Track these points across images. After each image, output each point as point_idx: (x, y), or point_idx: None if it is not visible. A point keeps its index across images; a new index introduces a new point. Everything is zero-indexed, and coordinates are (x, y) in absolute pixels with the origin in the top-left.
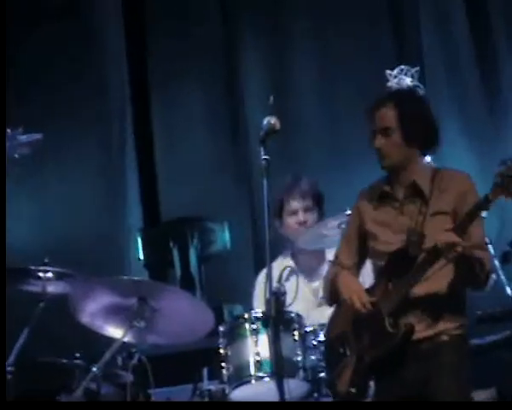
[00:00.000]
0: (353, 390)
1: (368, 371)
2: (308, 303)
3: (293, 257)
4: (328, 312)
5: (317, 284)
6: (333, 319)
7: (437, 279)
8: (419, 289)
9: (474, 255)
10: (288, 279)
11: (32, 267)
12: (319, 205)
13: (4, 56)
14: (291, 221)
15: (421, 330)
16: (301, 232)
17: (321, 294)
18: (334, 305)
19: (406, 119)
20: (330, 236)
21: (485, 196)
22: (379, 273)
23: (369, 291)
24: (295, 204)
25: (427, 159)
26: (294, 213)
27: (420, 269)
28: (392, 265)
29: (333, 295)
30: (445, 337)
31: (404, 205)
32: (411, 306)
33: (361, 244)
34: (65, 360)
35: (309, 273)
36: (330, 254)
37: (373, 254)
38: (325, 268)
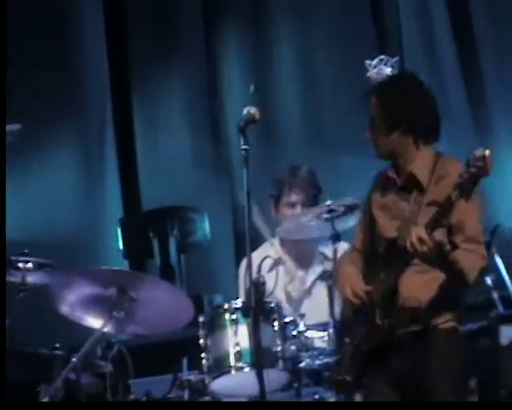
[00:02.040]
0: (348, 378)
1: (363, 360)
2: (294, 291)
3: (283, 244)
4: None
5: (304, 272)
6: (342, 306)
7: (424, 275)
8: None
9: (449, 255)
10: (270, 270)
11: (12, 258)
12: (316, 200)
13: (4, 56)
14: (288, 213)
15: (411, 324)
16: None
17: (309, 282)
18: None
19: (385, 106)
20: (309, 226)
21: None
22: (378, 261)
23: (368, 279)
24: (295, 197)
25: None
26: (293, 205)
27: (403, 261)
28: (387, 253)
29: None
30: (436, 330)
31: (402, 193)
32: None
33: (372, 228)
34: (44, 351)
35: (297, 261)
36: (322, 246)
37: (375, 240)
38: (316, 258)
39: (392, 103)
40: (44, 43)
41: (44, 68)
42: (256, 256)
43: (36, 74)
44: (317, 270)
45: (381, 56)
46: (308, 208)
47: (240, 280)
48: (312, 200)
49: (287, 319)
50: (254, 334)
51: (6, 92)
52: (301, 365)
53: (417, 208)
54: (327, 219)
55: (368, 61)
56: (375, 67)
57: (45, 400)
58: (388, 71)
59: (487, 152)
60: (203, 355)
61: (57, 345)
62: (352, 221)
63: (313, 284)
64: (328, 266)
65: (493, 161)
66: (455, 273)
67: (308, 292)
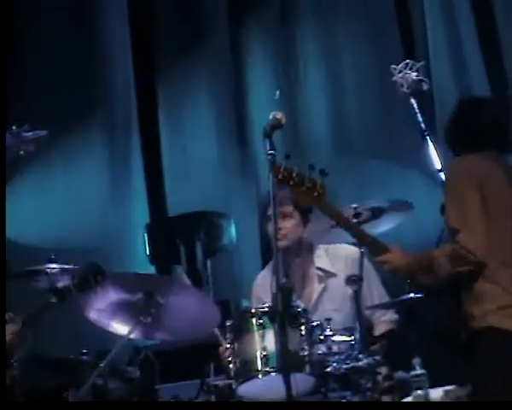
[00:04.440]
0: None
1: None
2: None
3: (285, 263)
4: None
5: (306, 293)
6: None
7: None
8: None
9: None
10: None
11: (40, 264)
12: (301, 210)
13: (4, 56)
14: (269, 227)
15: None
16: (280, 239)
17: (313, 300)
18: None
19: None
20: (336, 229)
21: None
22: None
23: None
24: (286, 208)
25: None
26: (284, 216)
27: None
28: None
29: None
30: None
31: None
32: None
33: None
34: (72, 356)
35: (299, 282)
36: (319, 260)
37: None
38: (314, 275)
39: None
40: (70, 47)
41: (69, 75)
42: (264, 276)
43: (61, 80)
44: (318, 289)
45: (407, 61)
46: (289, 220)
47: (253, 292)
48: (294, 211)
49: (314, 324)
50: (281, 338)
51: (32, 100)
52: (328, 369)
53: None
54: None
55: (393, 66)
56: (400, 71)
57: None
58: (413, 75)
59: None
60: (230, 360)
61: (84, 351)
62: (381, 227)
63: (317, 302)
64: (347, 272)
65: None
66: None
67: (314, 308)
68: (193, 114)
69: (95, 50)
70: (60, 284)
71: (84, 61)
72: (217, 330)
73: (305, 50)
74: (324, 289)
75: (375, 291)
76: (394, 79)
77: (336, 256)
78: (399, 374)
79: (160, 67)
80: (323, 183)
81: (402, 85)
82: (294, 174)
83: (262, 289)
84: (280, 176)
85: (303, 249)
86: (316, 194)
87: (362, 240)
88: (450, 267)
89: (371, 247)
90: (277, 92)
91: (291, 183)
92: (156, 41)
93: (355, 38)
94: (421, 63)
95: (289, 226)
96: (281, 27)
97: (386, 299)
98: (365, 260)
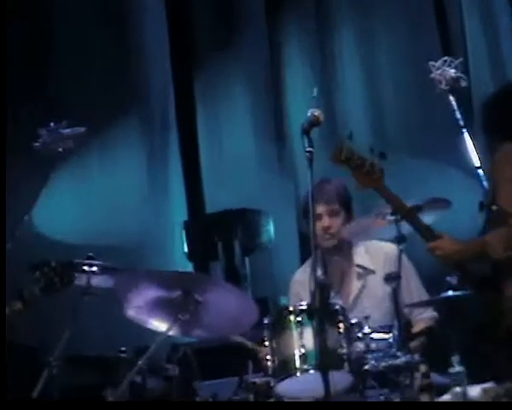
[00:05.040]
0: None
1: None
2: None
3: (323, 261)
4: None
5: (344, 292)
6: None
7: None
8: None
9: None
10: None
11: (77, 261)
12: (346, 208)
13: (5, 56)
14: (316, 226)
15: None
16: (326, 238)
17: (350, 301)
18: None
19: None
20: (374, 227)
21: None
22: None
23: None
24: (320, 208)
25: None
26: (319, 217)
27: None
28: None
29: None
30: None
31: None
32: None
33: None
34: (110, 354)
35: (337, 280)
36: (358, 257)
37: None
38: (353, 273)
39: None
40: (107, 45)
41: (107, 71)
42: (302, 273)
43: (99, 77)
44: (358, 286)
45: (445, 58)
46: (337, 218)
47: (291, 290)
48: (341, 209)
49: (352, 321)
50: (320, 336)
51: (71, 97)
52: (366, 367)
53: None
54: (391, 221)
55: (431, 63)
56: (438, 68)
57: None
58: (452, 72)
59: None
60: (268, 358)
61: (123, 348)
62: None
63: (356, 298)
64: (385, 269)
65: None
66: None
67: (352, 308)
68: (230, 110)
69: (132, 47)
70: (96, 282)
71: (121, 57)
72: (239, 337)
73: (342, 47)
74: (363, 287)
75: (414, 289)
76: (432, 75)
77: (376, 253)
78: (436, 377)
79: (198, 64)
80: (382, 167)
81: (440, 82)
82: (356, 157)
83: (300, 286)
84: (342, 157)
85: (343, 247)
86: (375, 177)
87: (417, 226)
88: (501, 252)
89: (425, 233)
90: (315, 89)
91: (352, 165)
92: (193, 37)
93: (393, 34)
94: (460, 60)
95: (337, 225)
96: (318, 23)
97: (425, 297)
98: (404, 258)
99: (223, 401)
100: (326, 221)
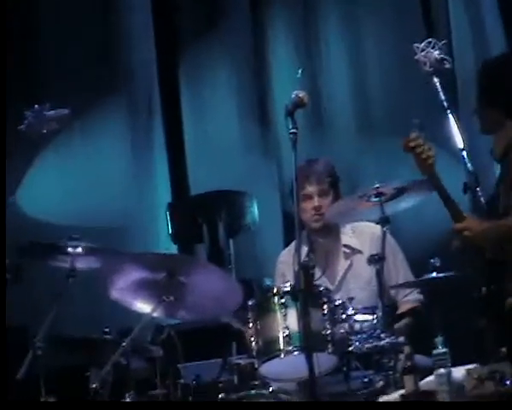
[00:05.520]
0: None
1: None
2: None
3: (309, 242)
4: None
5: (331, 271)
6: None
7: None
8: None
9: None
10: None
11: (61, 243)
12: (334, 188)
13: (5, 55)
14: (306, 206)
15: None
16: (315, 218)
17: (337, 281)
18: None
19: None
20: (359, 209)
21: None
22: None
23: None
24: (310, 189)
25: None
26: (309, 197)
27: None
28: None
29: None
30: None
31: None
32: None
33: None
34: (94, 335)
35: (324, 260)
36: (345, 237)
37: None
38: (340, 252)
39: None
40: (91, 26)
41: (90, 53)
42: (287, 254)
43: (82, 58)
44: (344, 266)
45: (429, 39)
46: (326, 198)
47: (276, 269)
48: (330, 189)
49: (336, 303)
50: (304, 318)
51: (53, 79)
52: (350, 348)
53: None
54: (375, 203)
55: (416, 44)
56: (423, 50)
57: (95, 384)
58: (436, 54)
59: None
60: (253, 339)
61: (107, 330)
62: (402, 204)
63: (342, 279)
64: (372, 250)
65: None
66: None
67: (338, 289)
68: (214, 93)
69: (116, 28)
70: (80, 264)
71: (105, 39)
72: (227, 317)
73: (327, 28)
74: (350, 267)
75: (400, 269)
76: (417, 57)
77: (363, 234)
78: (420, 359)
79: (182, 45)
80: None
81: (424, 64)
82: (421, 142)
83: (286, 266)
84: (412, 144)
85: (331, 228)
86: (430, 162)
87: (450, 207)
88: None
89: (455, 214)
90: (300, 71)
91: (418, 151)
92: (178, 19)
93: (377, 16)
94: (444, 42)
95: (327, 204)
96: (303, 5)
97: (411, 278)
98: (391, 239)
99: (208, 383)
100: (316, 201)
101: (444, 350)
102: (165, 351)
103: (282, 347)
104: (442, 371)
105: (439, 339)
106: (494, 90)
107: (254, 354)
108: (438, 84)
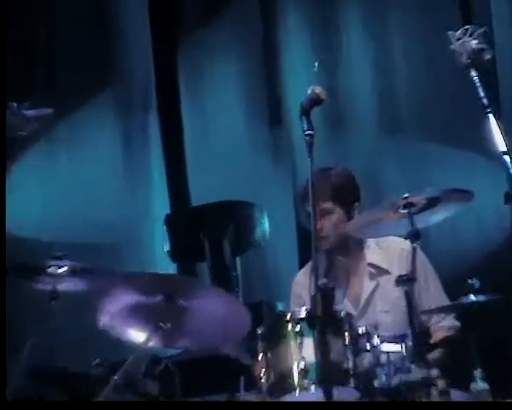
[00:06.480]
0: None
1: None
2: None
3: (328, 260)
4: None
5: (354, 294)
6: None
7: None
8: None
9: None
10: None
11: (40, 263)
12: (343, 202)
13: (4, 55)
14: (324, 223)
15: None
16: (319, 240)
17: (365, 297)
18: None
19: None
20: (385, 221)
21: None
22: None
23: None
24: (309, 208)
25: None
26: (329, 213)
27: None
28: None
29: None
30: None
31: None
32: None
33: None
34: (81, 368)
35: (344, 282)
36: (371, 255)
37: None
38: (365, 272)
39: None
40: (82, 17)
41: (79, 46)
42: (305, 274)
43: (70, 52)
44: (369, 287)
45: (466, 26)
46: (329, 218)
47: (292, 291)
48: (335, 206)
49: (359, 331)
50: (322, 347)
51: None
52: (376, 383)
53: None
54: (404, 215)
55: (451, 32)
56: (458, 38)
57: None
58: (474, 43)
59: None
60: (262, 372)
61: (97, 361)
62: (434, 217)
63: (367, 303)
64: (401, 269)
65: None
66: None
67: (362, 314)
68: (218, 91)
69: (111, 20)
70: (64, 286)
71: (99, 32)
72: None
73: (347, 16)
74: (376, 289)
75: (433, 291)
76: (452, 47)
77: (390, 251)
78: (456, 394)
79: (182, 38)
80: None
81: (461, 55)
82: None
83: (303, 288)
84: None
85: (350, 246)
86: None
87: None
88: None
89: None
90: (316, 64)
91: None
92: (178, 9)
93: (406, 1)
94: (483, 29)
95: (330, 225)
96: None
97: (445, 302)
98: (422, 256)
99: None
100: (334, 219)
101: (483, 385)
102: (161, 386)
103: (296, 381)
104: None
105: (477, 372)
106: None
107: (265, 389)
108: (476, 78)
